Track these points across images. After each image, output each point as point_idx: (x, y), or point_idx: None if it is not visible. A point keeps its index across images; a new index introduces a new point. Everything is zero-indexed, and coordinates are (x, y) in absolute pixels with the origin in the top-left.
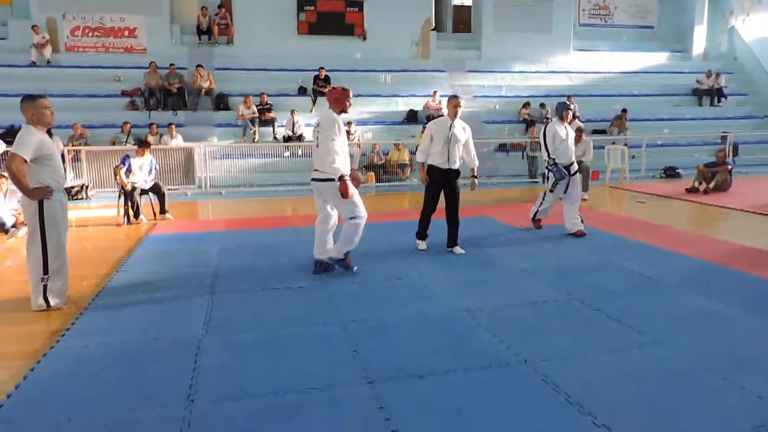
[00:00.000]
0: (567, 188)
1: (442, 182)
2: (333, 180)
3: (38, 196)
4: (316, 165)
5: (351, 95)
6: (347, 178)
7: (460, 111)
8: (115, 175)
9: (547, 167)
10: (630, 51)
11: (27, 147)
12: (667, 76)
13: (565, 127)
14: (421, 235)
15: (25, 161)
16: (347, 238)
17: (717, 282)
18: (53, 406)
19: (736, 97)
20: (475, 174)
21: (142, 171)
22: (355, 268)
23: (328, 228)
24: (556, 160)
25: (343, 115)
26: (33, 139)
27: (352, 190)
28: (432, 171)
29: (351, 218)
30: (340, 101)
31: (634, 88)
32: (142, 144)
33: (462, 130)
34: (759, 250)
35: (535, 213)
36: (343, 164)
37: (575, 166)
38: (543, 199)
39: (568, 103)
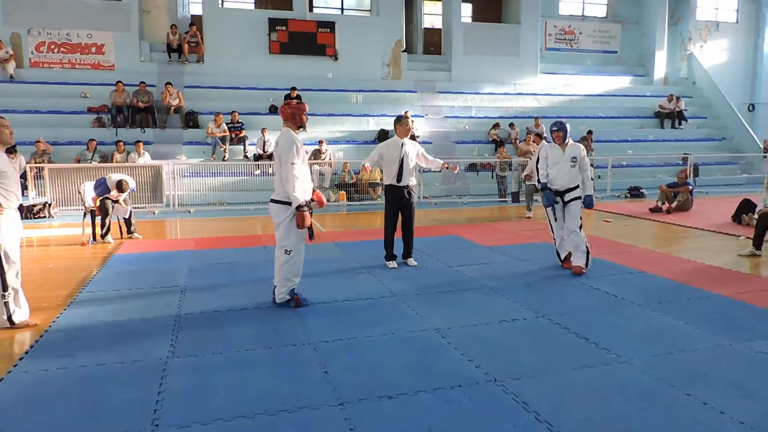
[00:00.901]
0: (561, 216)
1: (398, 199)
2: (281, 203)
3: None
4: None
5: (306, 109)
6: (305, 209)
7: (409, 130)
8: (81, 198)
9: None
10: (594, 74)
11: None
12: (631, 99)
13: (563, 149)
14: (389, 256)
15: None
16: (284, 278)
17: (679, 299)
18: None
19: (696, 120)
20: (444, 163)
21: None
22: (307, 302)
23: None
24: (548, 185)
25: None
26: None
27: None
28: (388, 190)
29: (286, 251)
30: (295, 116)
31: (599, 111)
32: (122, 189)
33: (412, 147)
34: (719, 268)
35: (558, 254)
36: (302, 192)
37: (571, 194)
38: (552, 230)
39: (562, 122)
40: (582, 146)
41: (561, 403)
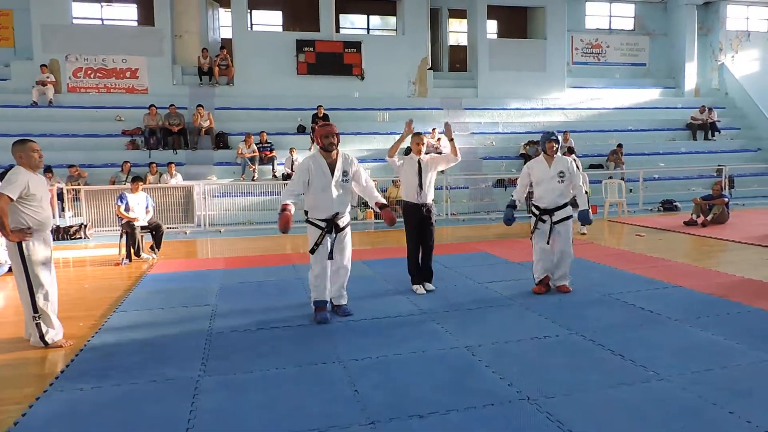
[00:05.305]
0: (549, 239)
1: (417, 217)
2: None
3: (16, 238)
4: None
5: (323, 133)
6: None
7: (423, 148)
8: (117, 215)
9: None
10: (623, 87)
11: (14, 186)
12: (661, 111)
13: (550, 163)
14: (416, 280)
15: (11, 200)
16: (342, 284)
17: (717, 314)
18: None
19: (729, 131)
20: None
21: (140, 207)
22: (327, 320)
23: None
24: (515, 202)
25: (341, 151)
26: (21, 179)
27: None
28: (406, 207)
29: (345, 263)
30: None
31: (629, 124)
32: (135, 179)
33: (430, 160)
34: (759, 281)
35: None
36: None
37: (560, 213)
38: (534, 248)
39: (552, 133)
40: (571, 158)
41: (597, 422)
